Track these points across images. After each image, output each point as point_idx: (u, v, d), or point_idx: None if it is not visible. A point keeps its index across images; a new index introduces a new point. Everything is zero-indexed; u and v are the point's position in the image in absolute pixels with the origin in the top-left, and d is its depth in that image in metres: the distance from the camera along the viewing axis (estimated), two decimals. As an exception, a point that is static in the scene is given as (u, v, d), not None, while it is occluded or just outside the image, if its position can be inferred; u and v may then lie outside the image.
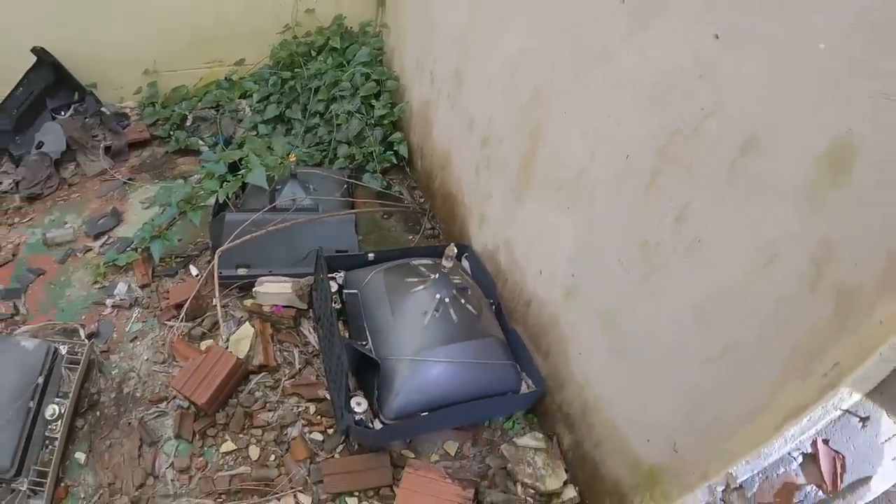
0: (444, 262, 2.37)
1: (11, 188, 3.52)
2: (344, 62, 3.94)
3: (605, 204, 1.91)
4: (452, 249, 2.73)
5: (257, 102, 3.88)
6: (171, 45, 4.00)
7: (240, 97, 3.96)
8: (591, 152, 1.94)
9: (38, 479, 2.15)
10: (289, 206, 2.98)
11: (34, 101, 3.78)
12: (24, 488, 2.13)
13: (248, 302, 2.73)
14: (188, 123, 3.87)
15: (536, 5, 2.18)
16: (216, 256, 2.65)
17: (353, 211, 3.19)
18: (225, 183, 3.00)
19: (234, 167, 3.13)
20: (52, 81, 3.78)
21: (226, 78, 4.16)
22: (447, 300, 2.35)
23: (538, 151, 2.28)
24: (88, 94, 3.83)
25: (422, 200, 3.64)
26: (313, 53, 4.04)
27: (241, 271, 2.81)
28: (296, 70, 3.93)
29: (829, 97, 1.12)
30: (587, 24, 1.89)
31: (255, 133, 3.67)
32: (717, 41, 1.36)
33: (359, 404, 2.17)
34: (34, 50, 3.61)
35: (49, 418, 2.27)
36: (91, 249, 3.10)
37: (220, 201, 3.01)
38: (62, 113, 3.82)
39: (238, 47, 4.18)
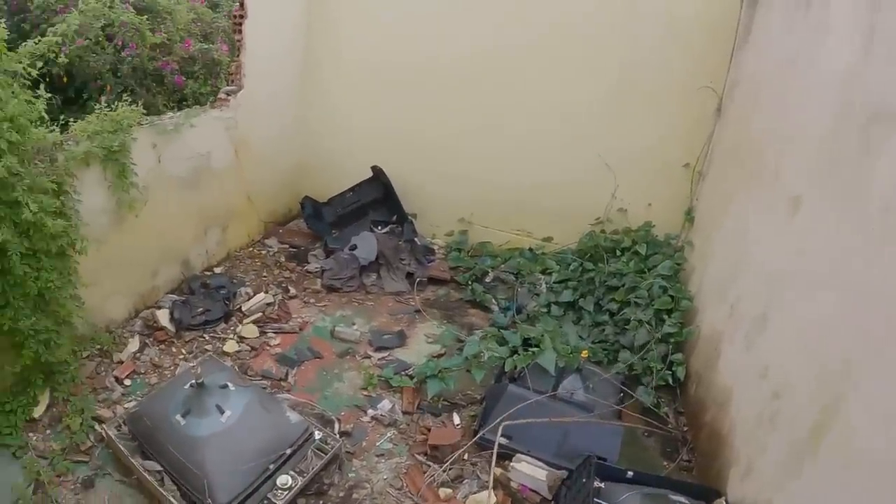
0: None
1: (317, 272, 4.11)
2: (644, 269, 4.10)
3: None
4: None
5: (555, 283, 4.14)
6: (489, 204, 4.52)
7: (540, 272, 4.31)
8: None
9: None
10: (567, 398, 3.11)
11: (358, 208, 4.46)
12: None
13: (498, 470, 2.84)
14: (488, 279, 4.26)
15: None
16: (500, 426, 2.85)
17: (622, 423, 3.19)
18: (516, 355, 3.24)
19: (525, 342, 3.37)
20: (379, 197, 4.42)
21: (530, 249, 4.58)
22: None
23: (832, 427, 2.13)
24: (408, 222, 4.39)
25: (685, 429, 3.50)
26: (617, 252, 4.27)
27: (503, 440, 2.97)
28: (598, 264, 4.19)
29: None
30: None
31: (546, 311, 3.95)
32: None
33: None
34: (373, 167, 4.32)
35: (279, 485, 2.50)
36: (370, 357, 3.42)
37: (506, 370, 3.26)
38: (379, 227, 4.42)
39: (548, 225, 4.57)
